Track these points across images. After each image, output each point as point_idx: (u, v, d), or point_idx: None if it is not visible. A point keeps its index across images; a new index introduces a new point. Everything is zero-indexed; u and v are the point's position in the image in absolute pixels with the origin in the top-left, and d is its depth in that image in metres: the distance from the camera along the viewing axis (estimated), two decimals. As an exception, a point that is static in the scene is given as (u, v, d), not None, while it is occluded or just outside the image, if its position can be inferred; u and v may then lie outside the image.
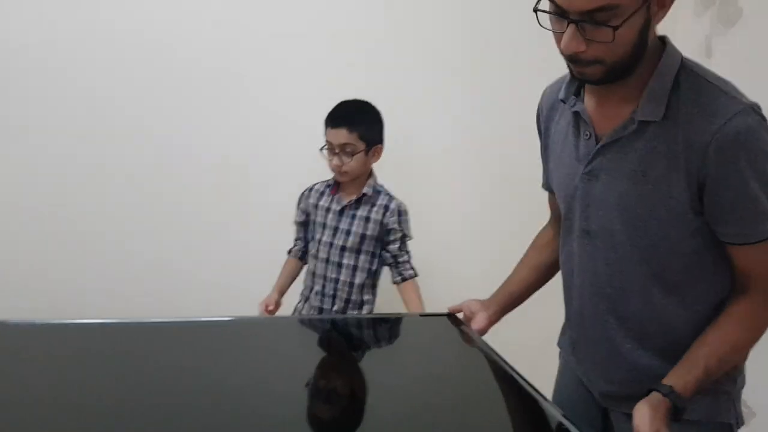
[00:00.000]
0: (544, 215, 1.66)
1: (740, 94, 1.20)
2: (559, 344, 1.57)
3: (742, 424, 1.34)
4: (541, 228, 1.68)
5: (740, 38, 2.35)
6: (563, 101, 1.38)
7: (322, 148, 2.24)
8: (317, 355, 1.65)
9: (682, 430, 1.25)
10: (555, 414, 1.24)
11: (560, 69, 1.34)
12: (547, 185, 1.56)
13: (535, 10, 1.19)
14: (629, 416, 1.21)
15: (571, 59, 1.22)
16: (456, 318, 1.69)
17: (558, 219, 1.51)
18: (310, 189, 2.38)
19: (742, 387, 1.36)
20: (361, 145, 2.20)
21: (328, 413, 1.33)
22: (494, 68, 2.75)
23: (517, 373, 1.39)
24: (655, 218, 1.24)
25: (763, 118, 1.19)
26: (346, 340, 1.78)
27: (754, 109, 1.18)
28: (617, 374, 1.37)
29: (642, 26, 1.16)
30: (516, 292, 1.64)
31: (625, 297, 1.32)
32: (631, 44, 1.17)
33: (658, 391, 1.21)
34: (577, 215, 1.36)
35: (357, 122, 2.20)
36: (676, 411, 1.20)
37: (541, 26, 1.22)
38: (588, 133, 1.32)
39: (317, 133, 2.24)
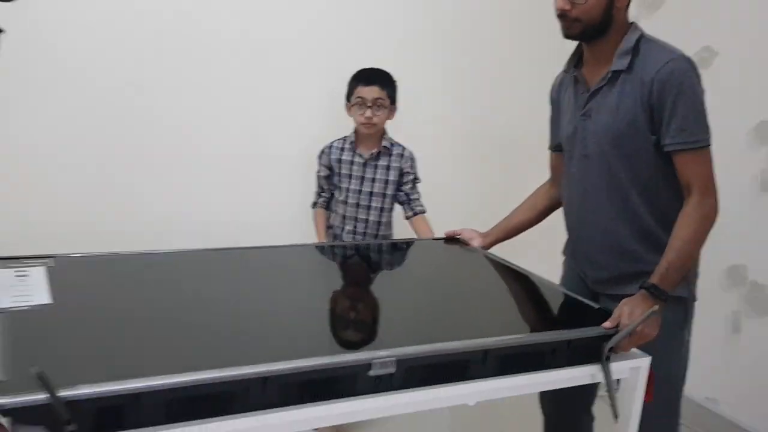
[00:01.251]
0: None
1: (677, 50, 1.76)
2: (563, 252, 2.12)
3: (695, 300, 1.91)
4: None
5: (663, 21, 2.96)
6: (566, 71, 1.97)
7: (351, 105, 2.63)
8: (348, 270, 2.05)
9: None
10: (559, 289, 1.89)
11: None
12: (553, 145, 2.12)
13: None
14: (613, 297, 1.79)
15: (561, 17, 1.80)
16: (458, 240, 2.26)
17: (555, 177, 2.13)
18: (330, 146, 2.74)
19: (695, 275, 1.92)
20: (387, 102, 2.64)
21: (361, 314, 1.64)
22: (486, 68, 3.20)
23: (522, 269, 1.99)
24: (627, 138, 1.78)
25: (691, 63, 1.73)
26: (373, 260, 2.19)
27: (684, 57, 1.74)
28: (605, 259, 1.90)
29: (606, 3, 1.77)
30: (511, 227, 2.21)
31: (610, 199, 1.86)
32: (600, 10, 1.77)
33: (641, 287, 1.71)
34: (576, 146, 1.91)
35: (386, 82, 2.63)
36: (658, 295, 1.69)
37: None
38: (582, 88, 1.90)
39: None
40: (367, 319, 1.57)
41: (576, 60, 1.94)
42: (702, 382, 2.86)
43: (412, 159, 2.72)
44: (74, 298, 1.54)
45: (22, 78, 2.54)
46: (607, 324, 1.58)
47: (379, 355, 1.31)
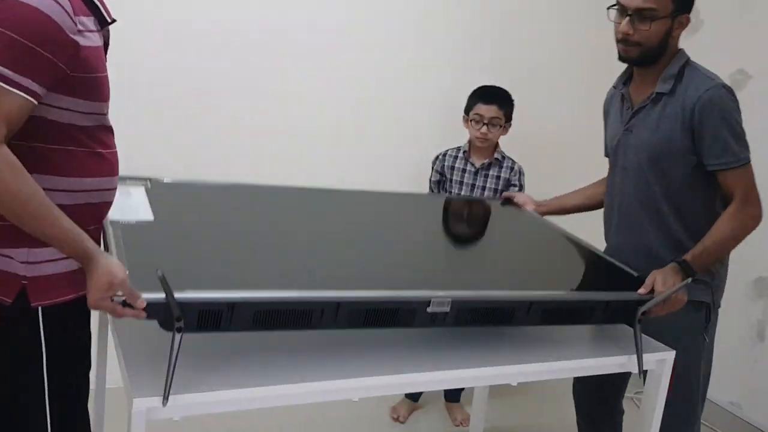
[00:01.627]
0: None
1: (717, 78, 1.93)
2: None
3: (718, 306, 2.06)
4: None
5: (702, 42, 3.13)
6: (615, 87, 2.17)
7: (469, 119, 2.85)
8: (423, 220, 2.24)
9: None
10: (602, 255, 2.07)
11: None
12: (606, 152, 2.25)
13: (608, 8, 2.00)
14: None
15: (622, 40, 1.95)
16: (514, 203, 2.44)
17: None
18: (444, 154, 2.97)
19: (720, 283, 2.05)
20: (503, 120, 2.85)
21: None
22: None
23: (569, 233, 2.19)
24: (663, 154, 1.96)
25: (729, 91, 1.90)
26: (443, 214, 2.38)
27: (724, 86, 1.91)
28: (637, 264, 1.98)
29: (667, 29, 1.92)
30: (568, 206, 2.37)
31: (644, 208, 2.03)
32: (659, 38, 1.92)
33: (674, 261, 1.91)
34: (618, 157, 2.09)
35: (505, 102, 2.86)
36: (687, 271, 1.87)
37: (609, 20, 2.02)
38: (628, 105, 2.07)
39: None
40: (430, 265, 1.78)
41: (625, 78, 2.11)
42: (726, 386, 3.00)
43: (521, 172, 2.92)
44: (172, 217, 1.75)
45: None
46: (641, 290, 1.76)
47: (438, 296, 1.50)
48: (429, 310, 1.49)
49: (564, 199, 2.38)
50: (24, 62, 1.29)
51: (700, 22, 3.20)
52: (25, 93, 1.29)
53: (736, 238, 1.92)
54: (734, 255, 2.00)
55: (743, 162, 1.90)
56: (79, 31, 1.38)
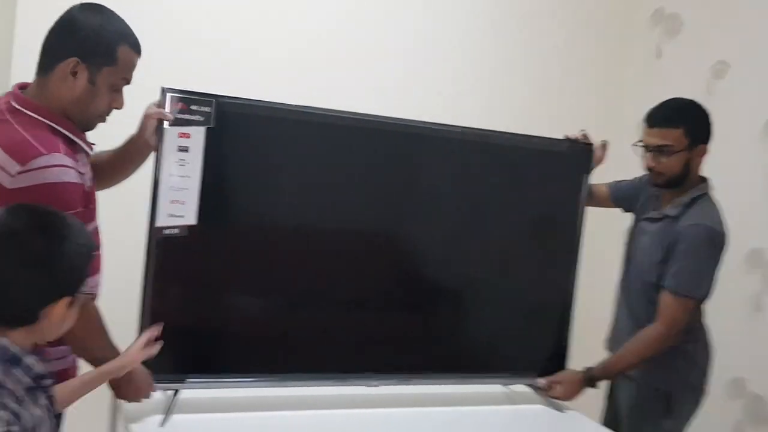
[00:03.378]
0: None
1: (714, 219, 2.22)
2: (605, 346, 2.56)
3: (684, 394, 2.32)
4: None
5: (683, 43, 3.38)
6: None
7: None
8: None
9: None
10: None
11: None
12: (612, 193, 2.54)
13: (634, 145, 2.31)
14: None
15: (650, 170, 2.28)
16: None
17: (597, 193, 2.53)
18: None
19: (686, 376, 2.32)
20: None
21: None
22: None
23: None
24: (650, 262, 2.27)
25: (716, 233, 2.19)
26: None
27: (708, 225, 2.19)
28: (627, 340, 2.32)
29: (686, 160, 2.23)
30: None
31: (639, 295, 2.34)
32: (679, 167, 2.24)
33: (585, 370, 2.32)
34: (632, 243, 2.41)
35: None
36: (591, 381, 2.29)
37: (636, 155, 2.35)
38: (655, 204, 2.36)
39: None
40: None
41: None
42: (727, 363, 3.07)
43: None
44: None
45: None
46: (541, 381, 2.36)
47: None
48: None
49: None
50: None
51: (680, 24, 3.44)
52: None
53: (643, 358, 2.25)
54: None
55: (684, 294, 2.19)
56: (84, 175, 1.68)
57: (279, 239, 2.12)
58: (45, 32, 1.70)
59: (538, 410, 2.38)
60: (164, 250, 1.93)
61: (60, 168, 1.60)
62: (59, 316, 1.37)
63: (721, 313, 2.47)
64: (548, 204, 2.42)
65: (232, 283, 2.08)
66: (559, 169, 2.43)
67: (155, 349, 1.82)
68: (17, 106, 1.66)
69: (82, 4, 1.72)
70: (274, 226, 2.12)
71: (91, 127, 1.76)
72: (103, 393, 1.78)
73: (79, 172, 1.66)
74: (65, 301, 1.37)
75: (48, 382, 1.41)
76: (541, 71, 3.49)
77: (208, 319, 2.05)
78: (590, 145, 2.43)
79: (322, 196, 2.15)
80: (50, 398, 1.43)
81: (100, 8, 1.73)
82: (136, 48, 1.74)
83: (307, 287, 2.16)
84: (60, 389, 1.52)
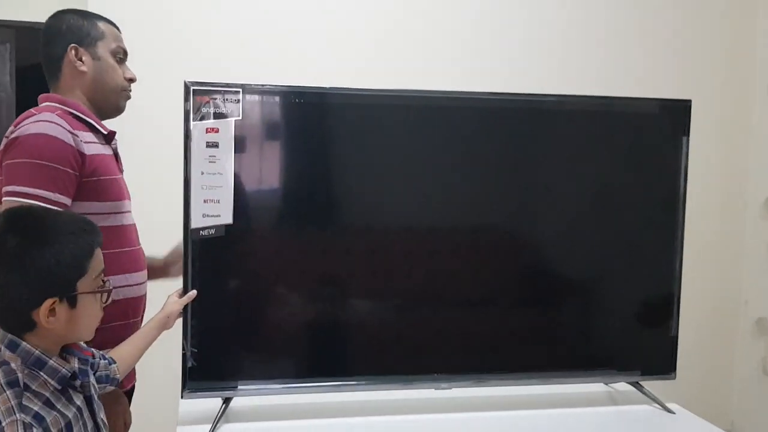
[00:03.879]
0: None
1: None
2: None
3: None
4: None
5: None
6: None
7: None
8: None
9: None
10: None
11: None
12: None
13: None
14: None
15: None
16: None
17: None
18: None
19: None
20: None
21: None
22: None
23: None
24: None
25: None
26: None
27: None
28: None
29: None
30: None
31: None
32: None
33: None
34: None
35: None
36: None
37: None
38: None
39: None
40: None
41: None
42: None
43: None
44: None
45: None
46: None
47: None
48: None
49: None
50: (52, 181, 1.58)
51: None
52: (60, 208, 1.58)
53: None
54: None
55: None
56: (83, 142, 1.66)
57: (320, 234, 1.96)
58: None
59: (643, 411, 2.07)
60: (203, 251, 1.83)
61: (46, 123, 1.62)
62: (48, 318, 1.31)
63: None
64: (644, 177, 2.09)
65: (277, 282, 1.95)
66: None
67: (193, 293, 1.80)
68: (41, 103, 1.75)
69: (51, 16, 1.84)
70: (318, 220, 1.97)
71: (118, 106, 1.85)
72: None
73: (73, 135, 1.65)
74: (49, 302, 1.30)
75: (79, 382, 1.38)
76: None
77: (255, 323, 1.94)
78: (688, 101, 2.07)
79: (366, 184, 1.98)
80: (88, 398, 1.42)
81: (62, 10, 1.85)
82: (109, 21, 1.86)
83: (365, 283, 1.99)
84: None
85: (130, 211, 1.85)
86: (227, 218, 1.84)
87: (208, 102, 1.80)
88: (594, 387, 2.18)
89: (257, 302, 1.93)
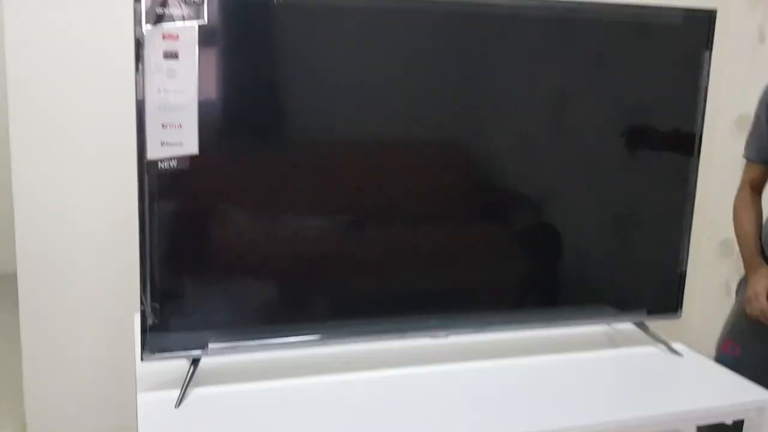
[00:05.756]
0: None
1: None
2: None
3: None
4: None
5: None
6: None
7: None
8: None
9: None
10: None
11: None
12: (759, 157, 1.98)
13: None
14: None
15: None
16: None
17: (756, 186, 2.01)
18: None
19: None
20: None
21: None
22: None
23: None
24: None
25: None
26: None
27: None
28: None
29: None
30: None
31: None
32: None
33: None
34: None
35: None
36: None
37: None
38: None
39: None
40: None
41: None
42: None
43: None
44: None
45: None
46: None
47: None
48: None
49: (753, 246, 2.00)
50: None
51: None
52: None
53: None
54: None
55: None
56: None
57: (305, 159, 1.65)
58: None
59: (648, 353, 1.91)
60: (162, 188, 1.50)
61: None
62: None
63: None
64: (659, 94, 1.87)
65: (253, 223, 1.64)
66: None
67: None
68: None
69: None
70: (298, 143, 1.65)
71: None
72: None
73: None
74: None
75: None
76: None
77: (226, 271, 1.63)
78: (713, 12, 1.83)
79: (359, 97, 1.67)
80: None
81: None
82: None
83: (348, 213, 1.70)
84: None
85: None
86: (192, 147, 1.50)
87: (167, 1, 1.43)
88: (593, 328, 2.01)
89: (228, 248, 1.63)
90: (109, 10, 2.12)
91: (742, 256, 1.99)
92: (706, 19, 1.83)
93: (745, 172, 2.02)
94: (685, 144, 1.88)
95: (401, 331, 1.74)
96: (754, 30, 3.08)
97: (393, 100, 1.68)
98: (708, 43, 1.83)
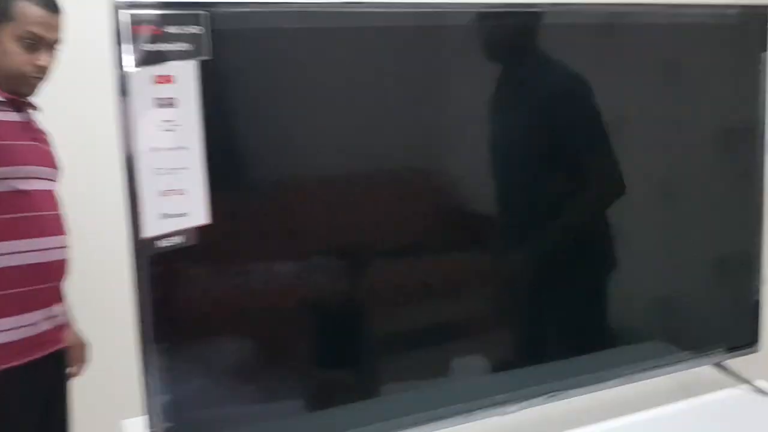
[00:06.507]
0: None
1: None
2: None
3: None
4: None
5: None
6: None
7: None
8: None
9: None
10: None
11: None
12: None
13: None
14: None
15: None
16: None
17: None
18: None
19: None
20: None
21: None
22: None
23: None
24: None
25: None
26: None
27: None
28: None
29: None
30: None
31: None
32: None
33: None
34: None
35: None
36: None
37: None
38: None
39: None
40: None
41: None
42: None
43: None
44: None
45: None
46: None
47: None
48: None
49: None
50: None
51: None
52: None
53: None
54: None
55: None
56: None
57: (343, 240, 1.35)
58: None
59: (729, 397, 1.66)
60: (164, 272, 1.16)
61: None
62: None
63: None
64: (716, 103, 1.64)
65: (283, 314, 1.31)
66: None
67: None
68: None
69: None
70: (334, 201, 1.34)
71: (19, 90, 1.78)
72: None
73: None
74: None
75: None
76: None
77: (251, 386, 1.30)
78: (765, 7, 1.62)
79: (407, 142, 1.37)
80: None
81: None
82: (41, 3, 1.74)
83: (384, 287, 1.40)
84: None
85: (36, 177, 1.77)
86: (199, 216, 1.18)
87: (156, 34, 1.11)
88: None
89: (255, 353, 1.30)
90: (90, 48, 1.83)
91: None
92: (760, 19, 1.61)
93: None
94: (750, 160, 1.66)
95: (470, 411, 1.44)
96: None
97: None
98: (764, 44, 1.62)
